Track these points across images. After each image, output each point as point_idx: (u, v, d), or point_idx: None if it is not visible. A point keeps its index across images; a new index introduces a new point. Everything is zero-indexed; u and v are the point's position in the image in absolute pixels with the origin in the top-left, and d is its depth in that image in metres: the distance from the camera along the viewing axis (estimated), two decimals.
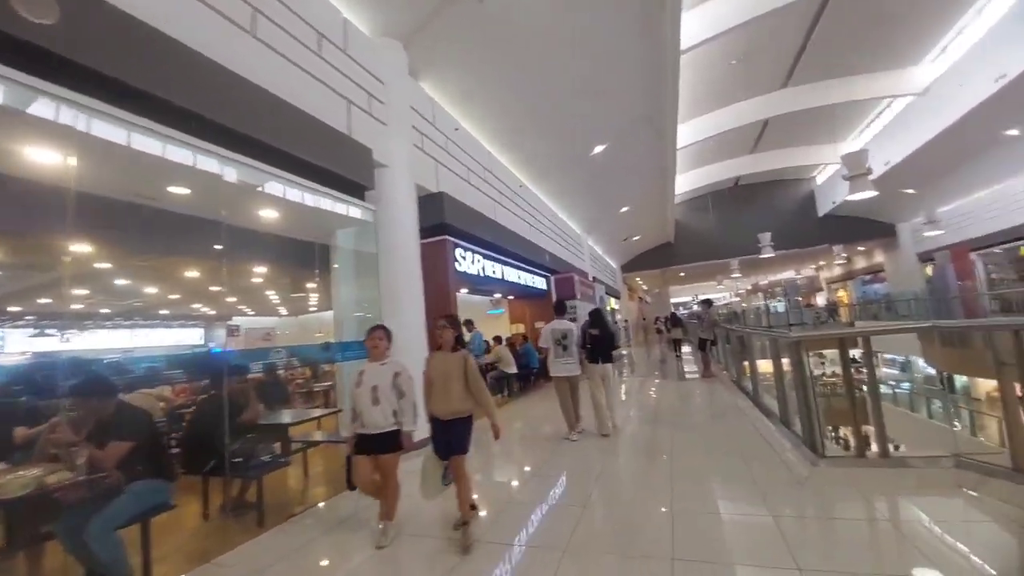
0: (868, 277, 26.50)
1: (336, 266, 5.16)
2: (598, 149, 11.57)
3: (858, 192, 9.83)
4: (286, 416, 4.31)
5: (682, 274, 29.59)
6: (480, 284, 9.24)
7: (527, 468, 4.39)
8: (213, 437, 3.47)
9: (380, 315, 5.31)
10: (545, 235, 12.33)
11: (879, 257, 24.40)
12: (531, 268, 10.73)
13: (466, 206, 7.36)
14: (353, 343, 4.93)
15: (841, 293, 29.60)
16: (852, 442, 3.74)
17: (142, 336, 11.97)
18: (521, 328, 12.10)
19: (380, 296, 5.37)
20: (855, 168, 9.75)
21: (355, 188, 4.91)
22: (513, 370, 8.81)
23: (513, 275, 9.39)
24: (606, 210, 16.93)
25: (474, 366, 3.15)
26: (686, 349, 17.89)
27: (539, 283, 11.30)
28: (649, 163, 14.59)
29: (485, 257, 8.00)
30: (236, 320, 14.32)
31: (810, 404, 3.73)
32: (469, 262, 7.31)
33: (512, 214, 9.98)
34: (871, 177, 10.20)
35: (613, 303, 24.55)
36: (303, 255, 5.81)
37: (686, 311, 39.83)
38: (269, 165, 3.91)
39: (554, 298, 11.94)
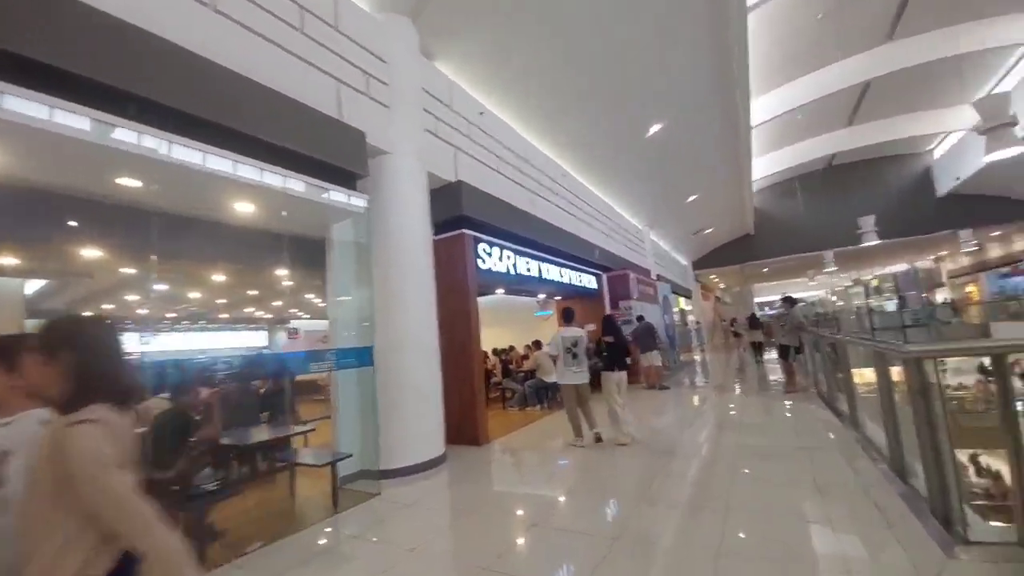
0: (1007, 269, 21.80)
1: (331, 263, 4.66)
2: (655, 129, 10.28)
3: (999, 151, 7.58)
4: (256, 435, 3.84)
5: (765, 270, 26.54)
6: (515, 283, 8.45)
7: (560, 496, 3.53)
8: (162, 459, 3.04)
9: (374, 317, 4.72)
10: (595, 229, 11.24)
11: (1021, 243, 19.90)
12: (577, 265, 9.73)
13: (491, 197, 6.61)
14: (351, 350, 4.39)
15: (971, 288, 24.65)
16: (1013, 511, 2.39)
17: (212, 339, 12.76)
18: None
19: (374, 295, 4.79)
20: (994, 116, 7.51)
21: (344, 176, 4.37)
22: (554, 379, 7.89)
23: (554, 273, 8.48)
24: (670, 200, 15.33)
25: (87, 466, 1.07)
26: (771, 355, 15.77)
27: (588, 282, 10.25)
28: (718, 144, 12.88)
29: (517, 253, 7.20)
30: (294, 323, 14.87)
31: (942, 454, 2.46)
32: (496, 258, 6.55)
33: (553, 206, 9.07)
34: (1019, 130, 7.82)
35: (682, 303, 22.51)
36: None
37: (772, 311, 35.94)
38: (234, 152, 3.44)
39: (607, 298, 10.83)
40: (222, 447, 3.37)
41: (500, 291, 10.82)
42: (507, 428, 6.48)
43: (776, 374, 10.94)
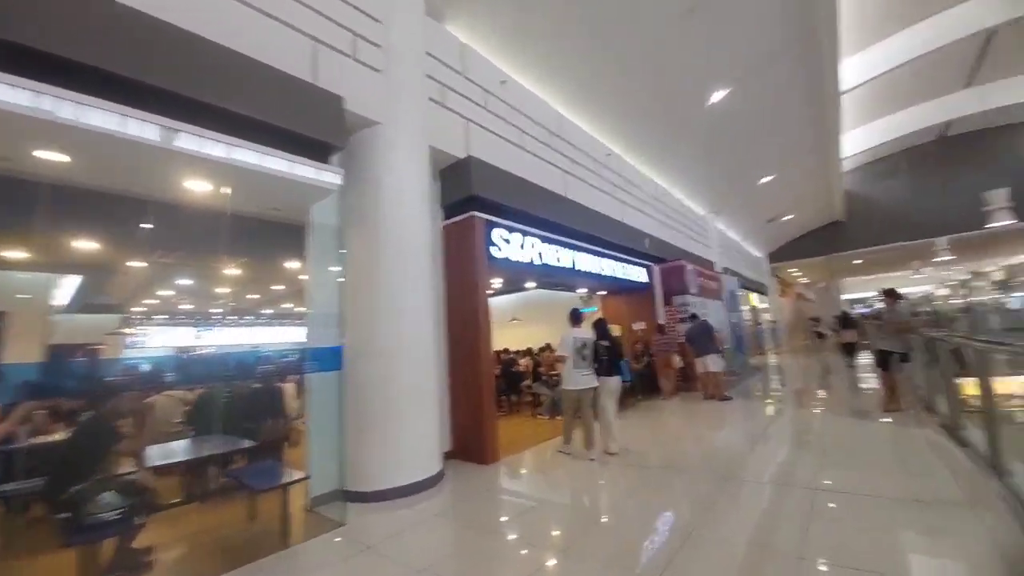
0: None
1: (310, 250, 4.08)
2: (717, 97, 8.86)
3: None
4: (181, 451, 3.32)
5: (857, 262, 23.15)
6: (543, 276, 7.53)
7: (556, 554, 2.66)
8: (69, 475, 2.59)
9: (345, 313, 4.07)
10: (646, 215, 9.98)
11: None
12: (623, 256, 8.59)
13: (511, 176, 5.77)
14: (313, 351, 3.78)
15: None
16: None
17: (258, 334, 13.14)
18: (617, 330, 9.96)
19: (346, 287, 4.14)
20: None
21: (316, 148, 3.75)
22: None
23: (592, 264, 7.45)
24: (738, 182, 13.52)
25: None
26: (865, 359, 13.48)
27: (636, 274, 9.06)
28: (798, 113, 11.01)
29: (545, 241, 6.29)
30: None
31: None
32: (516, 246, 5.69)
33: (594, 189, 8.02)
34: None
35: (754, 299, 20.16)
36: None
37: (866, 309, 31.64)
38: (173, 118, 2.92)
39: (658, 293, 9.57)
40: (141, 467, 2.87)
41: (531, 285, 9.95)
42: (528, 441, 5.64)
43: (870, 385, 9.06)
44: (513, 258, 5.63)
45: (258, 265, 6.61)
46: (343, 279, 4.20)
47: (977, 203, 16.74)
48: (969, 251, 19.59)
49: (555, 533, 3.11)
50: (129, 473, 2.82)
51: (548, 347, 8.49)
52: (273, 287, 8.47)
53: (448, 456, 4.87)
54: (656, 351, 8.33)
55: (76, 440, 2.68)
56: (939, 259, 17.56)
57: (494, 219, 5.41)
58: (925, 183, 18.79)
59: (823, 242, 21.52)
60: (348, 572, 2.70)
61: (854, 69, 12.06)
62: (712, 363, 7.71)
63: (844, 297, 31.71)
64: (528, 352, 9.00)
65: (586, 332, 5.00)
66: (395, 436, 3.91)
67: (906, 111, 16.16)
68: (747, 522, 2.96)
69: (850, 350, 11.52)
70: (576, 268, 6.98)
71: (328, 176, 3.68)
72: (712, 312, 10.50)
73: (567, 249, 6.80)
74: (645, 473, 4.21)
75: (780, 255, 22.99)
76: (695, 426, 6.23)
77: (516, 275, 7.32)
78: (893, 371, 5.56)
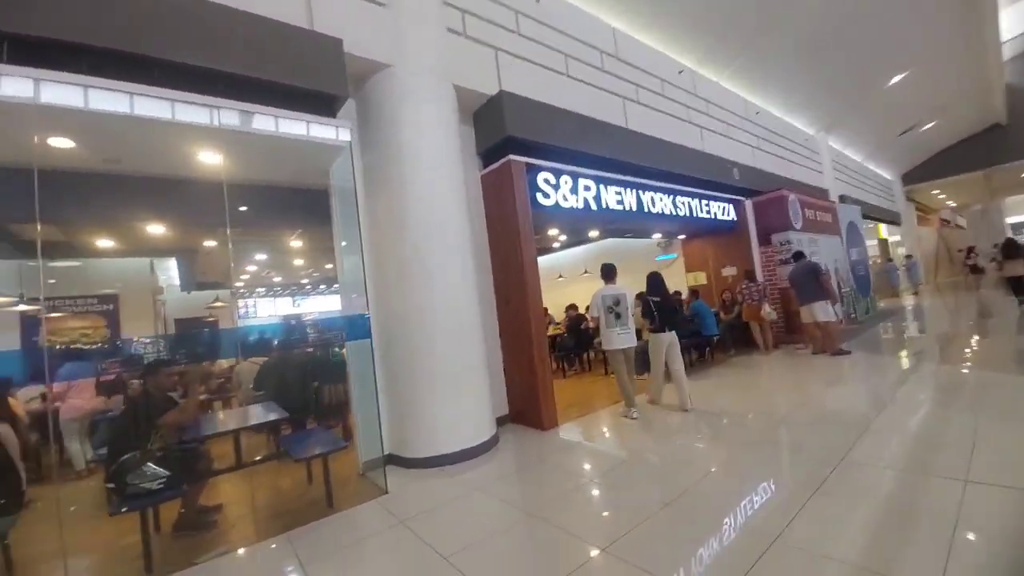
0: None
1: (336, 214, 3.86)
2: None
3: None
4: (214, 423, 3.33)
5: None
6: (605, 222, 6.72)
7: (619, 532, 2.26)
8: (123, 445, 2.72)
9: (374, 280, 3.81)
10: (734, 140, 8.47)
11: None
12: (704, 192, 7.39)
13: (554, 109, 5.01)
14: (341, 319, 3.60)
15: None
16: None
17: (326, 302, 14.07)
18: (702, 277, 8.83)
19: (373, 254, 3.88)
20: None
21: (318, 101, 3.42)
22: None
23: (664, 204, 6.46)
24: (858, 86, 10.95)
25: None
26: None
27: (723, 211, 7.80)
28: None
29: (601, 182, 5.50)
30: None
31: None
32: (567, 190, 5.01)
33: (664, 115, 6.88)
34: None
35: (883, 231, 16.98)
36: None
37: None
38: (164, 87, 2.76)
39: (752, 231, 8.22)
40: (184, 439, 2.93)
41: (595, 234, 9.06)
42: (595, 402, 5.16)
43: None
44: (564, 204, 4.98)
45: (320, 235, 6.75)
46: (370, 244, 3.94)
47: None
48: None
49: (604, 516, 2.65)
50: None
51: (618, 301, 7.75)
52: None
53: (504, 421, 4.61)
54: (745, 300, 7.18)
55: (129, 412, 2.80)
56: None
57: (536, 162, 4.77)
58: None
59: (978, 153, 17.16)
60: (374, 549, 2.53)
61: None
62: (820, 312, 6.41)
63: (1008, 221, 25.63)
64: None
65: (617, 288, 4.67)
66: (435, 403, 3.68)
67: None
68: (856, 523, 2.22)
69: (1020, 285, 9.06)
70: (644, 210, 6.08)
71: (327, 131, 3.34)
72: (825, 250, 8.84)
73: (631, 189, 5.92)
74: (719, 444, 3.52)
75: (918, 175, 18.89)
76: (791, 388, 5.23)
77: (572, 223, 6.59)
78: None
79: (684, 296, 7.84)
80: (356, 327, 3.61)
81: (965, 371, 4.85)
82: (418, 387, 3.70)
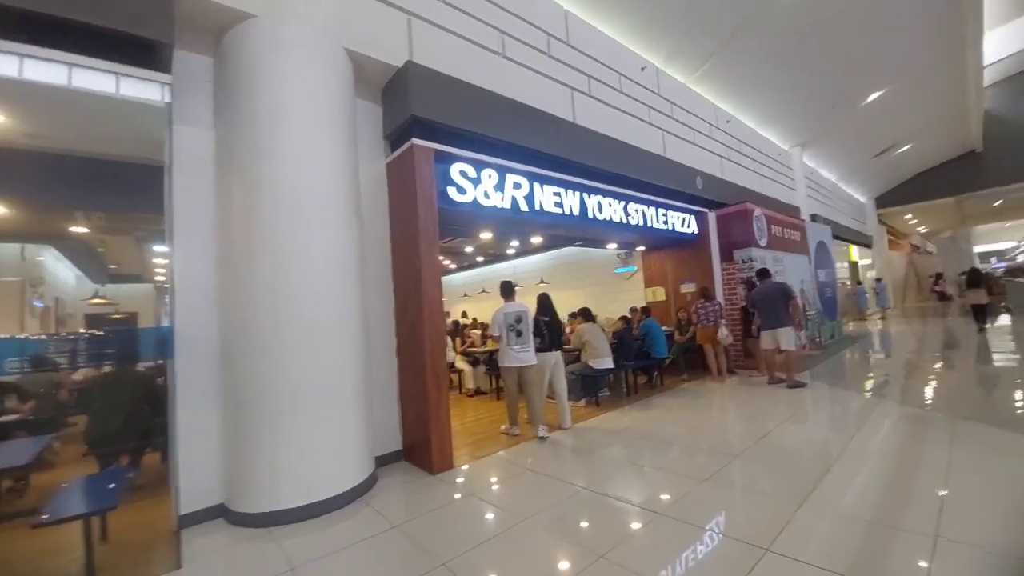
0: None
1: (168, 202, 3.05)
2: None
3: None
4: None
5: (997, 203, 18.33)
6: (540, 227, 5.97)
7: None
8: None
9: (172, 283, 3.01)
10: (701, 148, 7.90)
11: None
12: (661, 200, 6.77)
13: (478, 91, 4.28)
14: (144, 333, 2.79)
15: None
16: None
17: None
18: (661, 293, 8.22)
19: (220, 252, 3.11)
20: None
21: (137, 51, 2.62)
22: (604, 364, 5.46)
23: (614, 211, 5.80)
24: (836, 103, 10.55)
25: None
26: (1003, 322, 10.93)
27: (683, 223, 7.19)
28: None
29: (537, 180, 4.79)
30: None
31: None
32: (489, 186, 4.28)
33: (621, 113, 6.23)
34: None
35: (854, 253, 16.80)
36: None
37: (1001, 264, 25.78)
38: None
39: (714, 245, 7.64)
40: None
41: (537, 240, 8.33)
42: (516, 436, 4.44)
43: (1012, 362, 6.60)
44: (486, 202, 4.25)
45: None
46: (219, 237, 3.15)
47: None
48: None
49: None
50: None
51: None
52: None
53: (395, 458, 3.85)
54: (700, 321, 6.57)
55: None
56: None
57: (450, 150, 4.04)
58: None
59: (951, 179, 17.14)
60: None
61: None
62: (785, 339, 5.82)
63: (976, 249, 26.06)
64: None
65: (518, 305, 4.58)
66: (279, 438, 2.90)
67: None
68: None
69: (979, 313, 9.77)
70: (589, 216, 5.40)
71: (144, 89, 2.54)
72: (791, 269, 8.35)
73: (574, 191, 5.23)
74: (648, 492, 2.83)
75: (891, 198, 18.82)
76: (740, 422, 4.60)
77: (505, 226, 5.82)
78: None
79: (633, 315, 7.17)
80: (149, 344, 2.78)
81: (928, 412, 4.27)
82: (259, 417, 2.91)
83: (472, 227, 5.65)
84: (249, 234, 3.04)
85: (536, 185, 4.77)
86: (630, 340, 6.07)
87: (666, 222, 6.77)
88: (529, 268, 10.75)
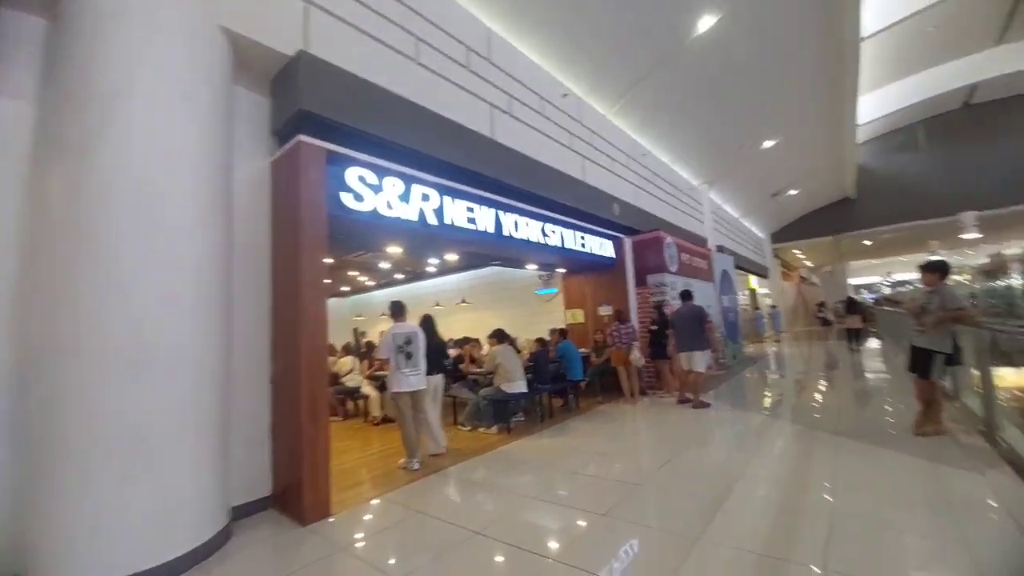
0: None
1: None
2: (705, 25, 6.97)
3: None
4: None
5: (867, 243, 21.24)
6: (456, 243, 5.73)
7: None
8: None
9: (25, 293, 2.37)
10: (619, 177, 8.17)
11: None
12: (579, 223, 6.84)
13: (379, 90, 3.97)
14: None
15: None
16: None
17: None
18: (580, 315, 8.27)
19: (33, 253, 2.49)
20: None
21: None
22: (518, 388, 5.24)
23: (531, 231, 5.71)
24: (736, 146, 11.59)
25: None
26: (873, 344, 12.39)
27: (601, 247, 7.31)
28: (810, 60, 9.06)
29: (446, 192, 4.55)
30: None
31: None
32: (395, 195, 3.96)
33: (542, 136, 6.23)
34: None
35: (752, 282, 18.46)
36: None
37: (872, 295, 29.88)
38: None
39: (629, 270, 7.84)
40: None
41: (451, 258, 8.11)
42: (416, 471, 4.00)
43: (879, 376, 7.40)
44: (388, 213, 3.90)
45: None
46: (33, 236, 2.50)
47: (1007, 178, 14.85)
48: (1004, 230, 17.56)
49: None
50: None
51: (467, 340, 6.77)
52: None
53: (263, 505, 3.27)
54: (614, 343, 6.63)
55: None
56: (966, 236, 15.63)
57: (346, 151, 3.67)
58: (947, 155, 16.81)
59: (830, 221, 19.61)
60: None
61: (875, 13, 10.12)
62: (700, 361, 5.97)
63: (851, 282, 29.86)
64: (465, 342, 7.27)
65: (409, 326, 4.43)
66: (81, 488, 2.27)
67: (927, 72, 14.20)
68: None
69: (854, 336, 11.69)
70: (504, 234, 5.24)
71: None
72: (699, 295, 8.76)
73: (488, 207, 5.05)
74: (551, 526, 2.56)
75: (784, 235, 21.08)
76: (650, 445, 4.57)
77: (409, 240, 5.39)
78: (936, 379, 3.84)
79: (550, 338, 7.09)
80: None
81: (815, 433, 4.50)
82: (58, 462, 2.27)
83: (379, 240, 5.23)
84: (68, 233, 2.44)
85: (447, 198, 4.51)
86: (546, 362, 5.92)
87: (584, 245, 6.82)
88: (451, 287, 10.41)
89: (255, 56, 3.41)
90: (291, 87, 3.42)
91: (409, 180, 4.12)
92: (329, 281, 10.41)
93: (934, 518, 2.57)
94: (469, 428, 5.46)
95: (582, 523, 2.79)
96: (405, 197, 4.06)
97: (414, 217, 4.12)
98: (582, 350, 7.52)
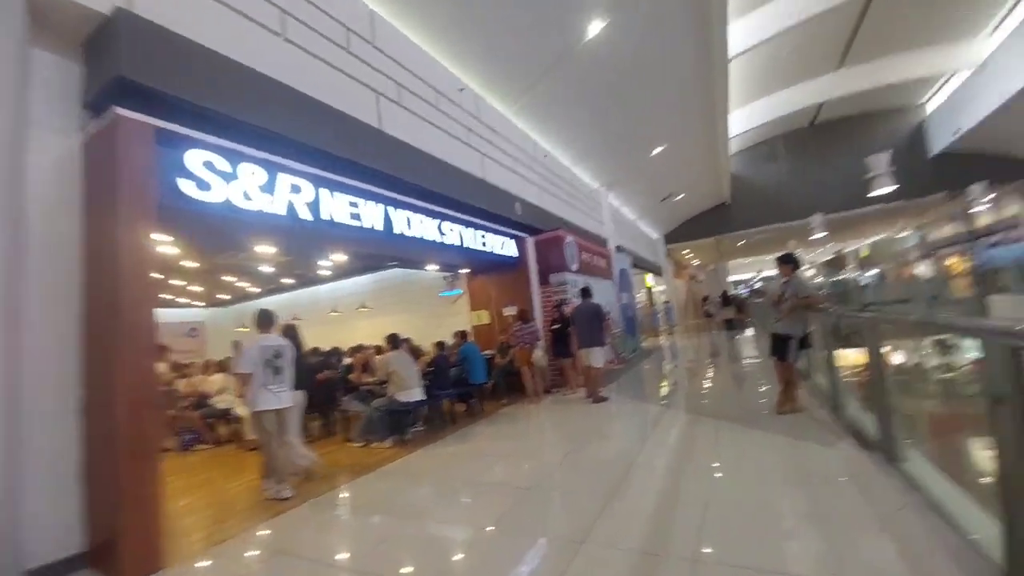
0: (997, 237, 19.84)
1: None
2: (595, 30, 7.22)
3: None
4: None
5: (741, 243, 24.03)
6: (343, 240, 5.29)
7: None
8: None
9: None
10: (521, 177, 8.18)
11: (1013, 209, 17.71)
12: (480, 222, 6.70)
13: (235, 64, 3.44)
14: None
15: (953, 260, 22.76)
16: None
17: None
18: (485, 316, 8.13)
19: None
20: None
21: None
22: (413, 397, 4.93)
23: (426, 228, 5.42)
24: (629, 151, 12.35)
25: None
26: (748, 333, 14.00)
27: (502, 246, 7.24)
28: (688, 68, 9.87)
29: (322, 184, 4.10)
30: None
31: None
32: (253, 185, 3.44)
33: (434, 128, 5.96)
34: None
35: (649, 281, 19.90)
36: None
37: (745, 290, 33.94)
38: None
39: (532, 269, 7.87)
40: None
41: (339, 257, 7.59)
42: (286, 498, 3.50)
43: (756, 366, 8.28)
44: (244, 205, 3.37)
45: None
46: None
47: (849, 187, 17.68)
48: (839, 232, 20.94)
49: None
50: None
51: (361, 347, 6.31)
52: None
53: (73, 568, 2.59)
54: (517, 343, 6.59)
55: None
56: (815, 236, 18.32)
57: (184, 131, 3.10)
58: (800, 166, 19.60)
59: (711, 224, 21.85)
60: None
61: (743, 35, 11.38)
62: (598, 357, 6.12)
63: (731, 279, 33.66)
64: (358, 350, 6.72)
65: (278, 338, 4.04)
66: None
67: (785, 91, 16.38)
68: None
69: (730, 326, 13.35)
70: (394, 232, 4.89)
71: None
72: (599, 293, 9.12)
73: (376, 203, 4.68)
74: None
75: (675, 236, 23.06)
76: (544, 447, 4.55)
77: (284, 238, 4.81)
78: (791, 361, 4.28)
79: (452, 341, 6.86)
80: None
81: (696, 419, 4.80)
82: None
83: (244, 237, 4.60)
84: None
85: (325, 191, 4.07)
86: (445, 367, 5.67)
87: (485, 244, 6.68)
88: (349, 292, 9.70)
89: (59, 12, 2.72)
90: (107, 51, 2.79)
91: (274, 168, 3.62)
92: (201, 289, 9.13)
93: (795, 492, 2.78)
94: (362, 444, 5.01)
95: (468, 539, 2.59)
96: (269, 188, 3.55)
97: (282, 211, 3.63)
98: (487, 352, 7.39)
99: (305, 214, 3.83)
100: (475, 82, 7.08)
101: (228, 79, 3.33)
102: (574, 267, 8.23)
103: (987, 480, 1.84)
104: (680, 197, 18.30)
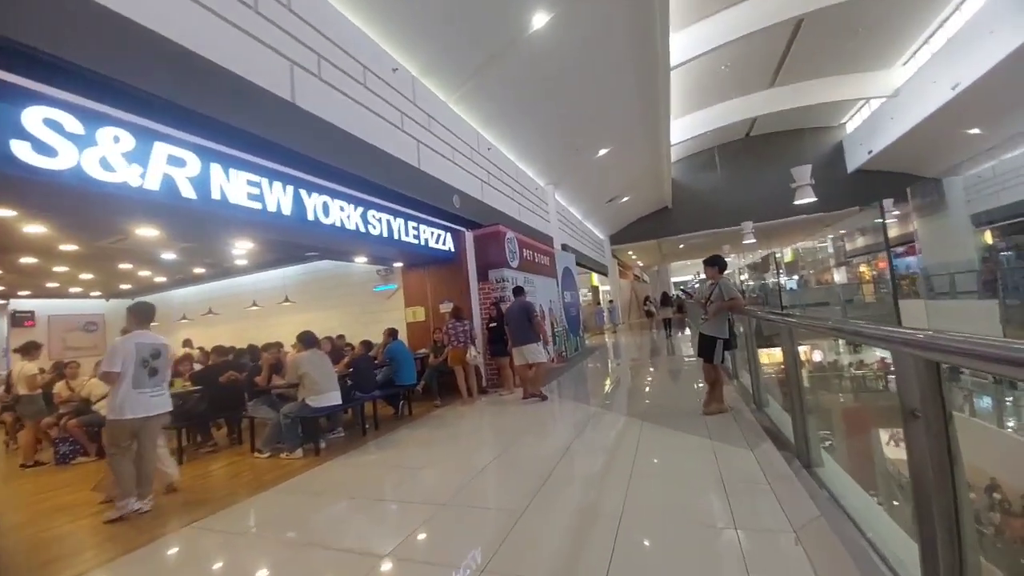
0: (901, 249, 22.04)
1: None
2: (539, 22, 7.00)
3: None
4: None
5: (681, 246, 25.05)
6: (245, 225, 4.72)
7: None
8: None
9: None
10: (463, 169, 7.83)
11: (913, 225, 19.70)
12: (412, 212, 6.30)
13: (90, 3, 2.88)
14: None
15: (863, 268, 25.09)
16: None
17: None
18: (421, 313, 7.72)
19: None
20: None
21: None
22: (328, 401, 4.47)
23: (348, 216, 4.96)
24: (575, 151, 12.30)
25: None
26: (686, 332, 14.60)
27: (438, 239, 6.87)
28: (632, 72, 9.94)
29: (213, 158, 3.56)
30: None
31: None
32: (115, 154, 2.87)
33: (362, 108, 5.49)
34: None
35: (595, 280, 20.20)
36: None
37: (684, 291, 35.60)
38: None
39: (471, 264, 7.56)
40: None
41: (248, 245, 6.98)
42: (146, 512, 2.98)
43: (690, 364, 8.47)
44: (106, 176, 2.80)
45: None
46: None
47: (777, 197, 18.80)
48: (768, 239, 22.33)
49: None
50: None
51: (271, 346, 5.71)
52: None
53: None
54: (451, 342, 6.27)
55: None
56: (746, 240, 19.36)
57: (20, 83, 2.52)
58: (735, 175, 20.67)
59: (654, 227, 22.58)
60: None
61: (682, 45, 11.67)
62: (532, 354, 5.93)
63: (673, 280, 35.02)
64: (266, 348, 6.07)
65: (156, 337, 3.58)
66: None
67: (724, 103, 17.11)
68: None
69: (667, 324, 13.96)
70: (309, 218, 4.40)
71: None
72: (540, 291, 9.00)
73: (285, 184, 4.17)
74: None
75: (620, 237, 23.60)
76: (458, 454, 4.28)
77: (168, 219, 4.17)
78: (717, 363, 4.28)
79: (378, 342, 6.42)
80: None
81: (627, 419, 4.73)
82: None
83: (113, 216, 3.95)
84: None
85: (217, 166, 3.53)
86: (368, 368, 5.24)
87: (417, 236, 6.29)
88: (271, 285, 8.93)
89: None
90: None
91: (149, 136, 3.06)
92: (93, 277, 8.03)
93: (711, 498, 2.68)
94: (268, 455, 4.49)
95: (358, 573, 2.25)
96: (139, 158, 2.99)
97: (154, 186, 3.07)
98: (422, 350, 7.01)
99: (188, 192, 3.28)
100: (411, 64, 6.64)
101: (90, 25, 2.75)
102: (515, 264, 8.01)
103: (899, 493, 1.77)
104: (625, 199, 18.70)
